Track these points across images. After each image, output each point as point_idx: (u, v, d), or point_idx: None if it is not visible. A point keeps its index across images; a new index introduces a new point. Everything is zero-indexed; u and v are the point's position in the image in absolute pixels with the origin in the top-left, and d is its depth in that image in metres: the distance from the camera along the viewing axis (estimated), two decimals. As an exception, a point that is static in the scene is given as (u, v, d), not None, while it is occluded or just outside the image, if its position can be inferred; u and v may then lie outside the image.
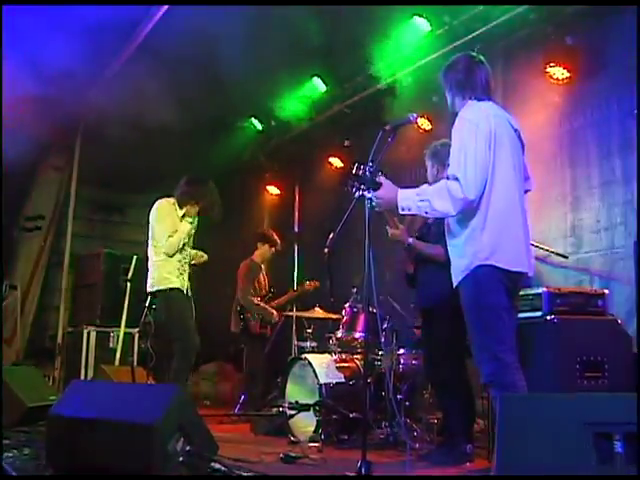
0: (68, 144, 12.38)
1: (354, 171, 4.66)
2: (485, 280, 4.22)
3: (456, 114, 4.54)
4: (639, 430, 2.98)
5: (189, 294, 7.27)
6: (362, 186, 4.65)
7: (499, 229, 4.22)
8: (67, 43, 8.29)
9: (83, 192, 12.91)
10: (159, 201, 7.34)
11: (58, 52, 8.37)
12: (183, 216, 7.20)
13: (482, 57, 4.75)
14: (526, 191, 4.63)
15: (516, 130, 4.51)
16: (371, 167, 4.62)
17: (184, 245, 7.18)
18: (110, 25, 8.14)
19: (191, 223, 7.19)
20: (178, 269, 7.16)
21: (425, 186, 4.38)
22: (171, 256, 7.12)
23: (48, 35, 8.15)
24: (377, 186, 4.58)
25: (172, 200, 7.30)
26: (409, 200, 4.35)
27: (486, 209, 4.24)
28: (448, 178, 4.24)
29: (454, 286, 4.46)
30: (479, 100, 4.50)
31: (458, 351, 5.79)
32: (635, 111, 6.24)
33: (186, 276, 7.26)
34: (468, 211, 4.25)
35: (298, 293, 9.68)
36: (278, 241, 9.61)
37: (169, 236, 7.09)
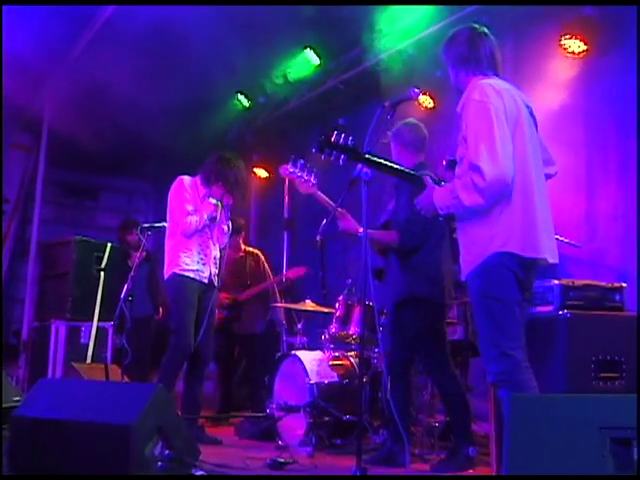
0: (35, 120, 12.31)
1: (332, 138, 4.71)
2: (498, 271, 4.19)
3: (461, 91, 4.51)
4: (639, 431, 2.98)
5: (213, 284, 7.25)
6: (342, 156, 4.71)
7: (515, 213, 4.17)
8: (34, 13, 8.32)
9: (52, 173, 12.84)
10: (180, 177, 7.33)
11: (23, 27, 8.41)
12: (206, 196, 7.19)
13: (485, 29, 4.72)
14: (548, 176, 4.57)
15: (528, 107, 4.48)
16: (348, 136, 4.71)
17: (206, 228, 7.16)
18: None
19: (216, 206, 7.16)
20: (198, 253, 7.13)
21: (455, 181, 4.34)
22: (188, 237, 7.09)
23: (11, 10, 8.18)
24: (357, 156, 4.63)
25: (193, 179, 7.30)
26: (445, 200, 4.33)
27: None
28: (470, 168, 4.20)
29: (463, 279, 4.41)
30: (485, 75, 4.44)
31: (435, 345, 5.89)
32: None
33: (211, 267, 7.23)
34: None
35: (276, 282, 9.66)
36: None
37: (188, 214, 7.08)
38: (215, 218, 7.12)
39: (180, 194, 7.15)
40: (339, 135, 4.74)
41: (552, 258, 4.29)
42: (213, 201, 7.10)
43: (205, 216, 7.04)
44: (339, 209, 6.06)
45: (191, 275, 7.05)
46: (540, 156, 4.44)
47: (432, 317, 5.96)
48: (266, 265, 9.71)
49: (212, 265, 7.21)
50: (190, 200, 7.13)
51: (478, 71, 4.47)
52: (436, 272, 5.93)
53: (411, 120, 6.17)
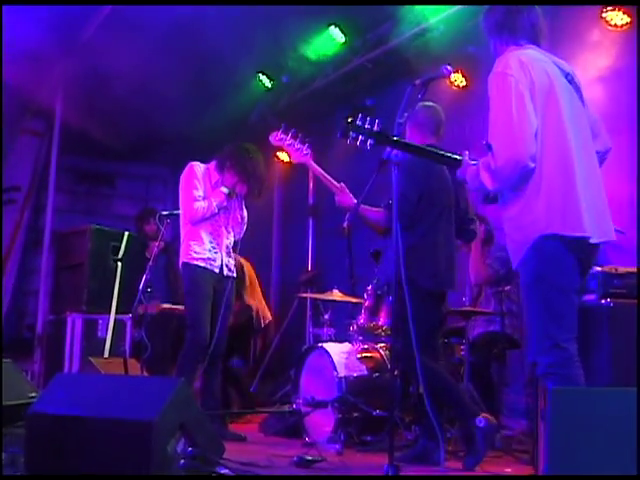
0: (47, 105, 12.33)
1: (359, 122, 4.72)
2: (553, 255, 4.11)
3: None
4: (639, 429, 2.98)
5: (226, 274, 7.28)
6: (369, 140, 4.72)
7: (554, 191, 4.09)
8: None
9: (65, 160, 12.85)
10: (191, 163, 7.39)
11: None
12: (218, 183, 7.23)
13: None
14: (602, 152, 4.48)
15: (568, 74, 4.39)
16: (374, 119, 4.71)
17: (217, 216, 7.19)
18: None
19: (228, 194, 7.18)
20: (210, 242, 7.18)
21: (481, 160, 4.28)
22: (195, 224, 7.14)
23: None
24: (385, 139, 4.61)
25: (207, 165, 7.36)
26: (474, 181, 4.30)
27: (540, 173, 4.10)
28: (488, 148, 4.18)
29: (514, 268, 4.35)
30: (519, 46, 4.38)
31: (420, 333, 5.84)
32: None
33: (224, 256, 7.27)
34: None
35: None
36: None
37: (195, 201, 7.12)
38: (225, 207, 7.14)
39: (189, 180, 7.22)
40: (364, 118, 4.72)
41: (597, 237, 4.17)
42: (225, 190, 7.14)
43: (214, 204, 7.07)
44: (337, 183, 6.17)
45: (202, 264, 7.11)
46: (586, 128, 4.34)
47: (421, 303, 5.81)
48: (251, 276, 9.64)
49: (224, 254, 7.25)
50: (200, 187, 7.19)
51: (512, 41, 4.42)
52: (430, 256, 5.87)
53: (429, 103, 6.16)
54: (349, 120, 4.75)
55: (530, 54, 4.29)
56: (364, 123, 4.72)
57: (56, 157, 12.46)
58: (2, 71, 9.20)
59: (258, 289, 9.69)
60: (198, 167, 7.29)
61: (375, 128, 4.73)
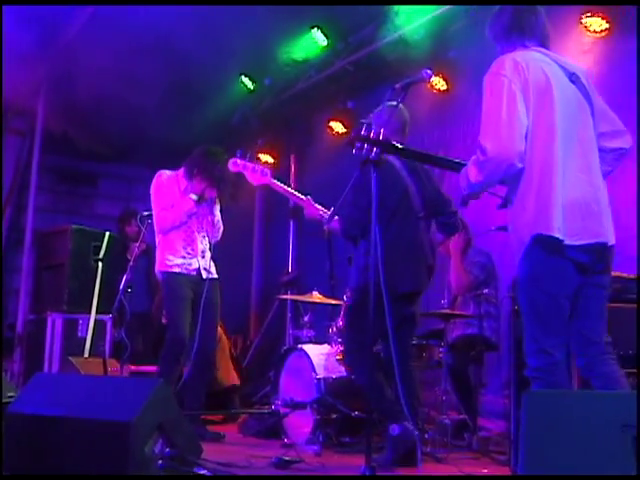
0: (29, 104, 12.29)
1: (362, 132, 4.67)
2: (543, 257, 4.07)
3: None
4: (639, 429, 2.99)
5: (205, 277, 7.28)
6: (374, 149, 4.68)
7: (544, 193, 4.05)
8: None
9: (48, 160, 12.83)
10: (159, 172, 7.43)
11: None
12: (187, 190, 7.23)
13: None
14: (619, 151, 4.40)
15: (573, 74, 4.33)
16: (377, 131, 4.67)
17: (188, 223, 7.22)
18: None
19: (197, 201, 7.18)
20: (184, 248, 7.22)
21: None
22: (165, 233, 7.19)
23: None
24: (390, 148, 4.61)
25: (175, 172, 7.38)
26: (462, 179, 4.27)
27: (530, 173, 4.09)
28: (476, 145, 4.17)
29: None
30: (525, 48, 4.35)
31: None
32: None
33: (199, 260, 7.29)
34: (512, 177, 4.14)
35: None
36: None
37: (162, 210, 7.17)
38: (195, 213, 7.16)
39: (156, 190, 7.29)
40: (369, 128, 4.70)
41: (573, 240, 4.05)
42: (193, 197, 7.16)
43: (181, 212, 7.10)
44: (304, 197, 6.30)
45: (177, 270, 7.17)
46: (586, 128, 4.29)
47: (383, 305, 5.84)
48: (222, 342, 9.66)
49: (201, 258, 7.28)
50: (167, 196, 7.21)
51: (519, 42, 4.38)
52: (391, 258, 5.72)
53: (393, 102, 6.18)
54: (356, 133, 4.72)
55: (527, 55, 4.26)
56: (368, 133, 4.70)
57: (38, 157, 12.45)
58: (2, 71, 9.16)
59: (226, 352, 9.62)
60: (164, 176, 7.34)
61: (380, 137, 4.72)
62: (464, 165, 4.41)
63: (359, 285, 5.92)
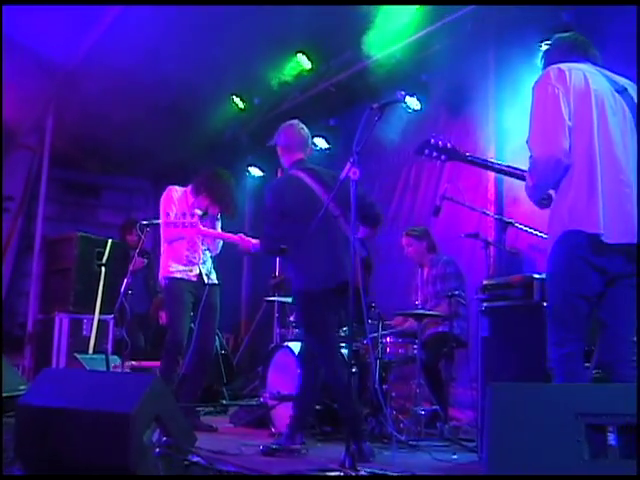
0: (40, 123, 12.31)
1: (432, 141, 4.65)
2: (567, 259, 4.04)
3: None
4: (639, 424, 2.98)
5: (206, 282, 7.26)
6: (442, 156, 4.66)
7: (578, 189, 4.04)
8: (36, 21, 8.33)
9: (55, 173, 12.85)
10: (170, 187, 7.43)
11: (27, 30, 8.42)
12: (193, 206, 7.23)
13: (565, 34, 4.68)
14: None
15: (622, 87, 4.32)
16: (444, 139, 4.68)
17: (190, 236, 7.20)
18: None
19: (202, 216, 7.18)
20: (187, 257, 7.22)
21: None
22: (170, 243, 7.21)
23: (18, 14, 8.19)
24: (457, 156, 4.63)
25: (184, 189, 7.37)
26: (527, 180, 4.31)
27: (570, 170, 4.08)
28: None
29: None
30: (566, 62, 4.33)
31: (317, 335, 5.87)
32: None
33: (201, 267, 7.28)
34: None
35: None
36: None
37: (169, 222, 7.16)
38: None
39: (166, 204, 7.27)
40: (437, 138, 4.68)
41: (615, 238, 3.99)
42: (198, 212, 7.16)
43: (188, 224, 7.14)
44: (235, 235, 6.82)
45: (178, 275, 7.17)
46: (625, 134, 4.21)
47: (309, 305, 5.83)
48: None
49: (202, 265, 7.28)
50: (175, 209, 7.19)
51: (561, 60, 4.35)
52: (311, 263, 5.81)
53: (288, 122, 6.21)
54: (428, 140, 4.68)
55: (572, 64, 4.27)
56: (437, 141, 4.68)
57: (47, 170, 12.44)
58: (2, 72, 9.13)
59: None
60: (175, 191, 7.34)
61: (448, 146, 4.69)
62: (522, 171, 4.43)
63: (293, 294, 5.99)
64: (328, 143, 10.92)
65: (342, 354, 6.10)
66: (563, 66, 4.20)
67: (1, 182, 11.40)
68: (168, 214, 7.16)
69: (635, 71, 6.19)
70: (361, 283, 5.03)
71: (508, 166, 4.72)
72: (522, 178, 4.49)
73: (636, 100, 4.31)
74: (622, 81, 4.38)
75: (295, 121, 6.22)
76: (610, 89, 4.26)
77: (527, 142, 4.19)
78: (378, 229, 6.03)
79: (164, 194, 7.34)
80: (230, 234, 6.94)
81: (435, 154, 4.68)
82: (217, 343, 8.29)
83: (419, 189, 9.54)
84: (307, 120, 11.00)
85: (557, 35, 4.69)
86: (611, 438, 3.05)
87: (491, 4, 7.74)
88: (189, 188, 7.32)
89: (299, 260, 5.86)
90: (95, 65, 9.50)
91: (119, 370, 7.49)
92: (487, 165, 4.88)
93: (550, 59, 4.51)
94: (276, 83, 10.68)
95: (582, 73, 4.21)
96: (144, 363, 8.99)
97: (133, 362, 8.63)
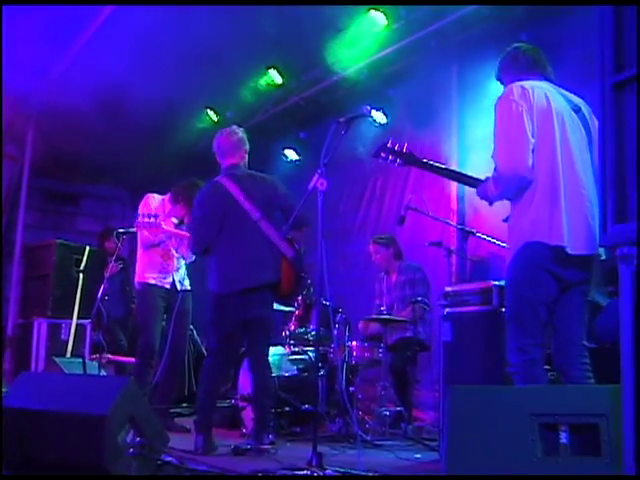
0: (20, 132, 12.23)
1: (389, 144, 4.70)
2: (528, 267, 4.08)
3: None
4: (638, 421, 3.00)
5: (179, 289, 7.24)
6: (398, 160, 4.70)
7: (541, 203, 4.07)
8: (18, 30, 8.28)
9: (35, 181, 12.78)
10: (148, 194, 7.42)
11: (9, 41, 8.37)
12: (170, 214, 7.22)
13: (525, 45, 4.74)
14: None
15: (576, 105, 4.36)
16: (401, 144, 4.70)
17: (167, 242, 7.19)
18: (64, 13, 8.16)
19: (178, 224, 7.18)
20: (160, 264, 7.21)
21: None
22: (146, 249, 7.21)
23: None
24: (412, 160, 4.64)
25: (163, 197, 7.39)
26: (486, 191, 4.34)
27: (534, 185, 4.10)
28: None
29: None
30: (526, 79, 4.35)
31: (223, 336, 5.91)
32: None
33: (174, 275, 7.26)
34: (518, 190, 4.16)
35: None
36: None
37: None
38: (173, 235, 7.17)
39: (144, 209, 7.23)
40: (394, 142, 4.73)
41: (577, 250, 4.04)
42: (175, 220, 7.17)
43: (161, 231, 7.12)
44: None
45: (152, 282, 7.17)
46: (584, 151, 4.26)
47: (214, 308, 5.88)
48: None
49: (175, 272, 7.27)
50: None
51: (522, 76, 4.39)
52: (219, 266, 5.85)
53: (224, 129, 6.24)
54: (383, 144, 4.74)
55: (533, 82, 4.29)
56: (394, 146, 4.72)
57: (27, 179, 12.39)
58: (2, 72, 9.08)
59: None
60: (153, 198, 7.34)
61: (404, 150, 4.73)
62: (479, 180, 4.48)
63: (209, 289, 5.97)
64: (298, 155, 11.00)
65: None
66: (526, 84, 4.23)
67: (1, 182, 11.34)
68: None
69: (592, 89, 6.27)
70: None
71: (459, 172, 4.77)
72: (471, 184, 4.57)
73: (588, 118, 4.36)
74: (576, 100, 4.43)
75: (230, 127, 6.21)
76: (568, 108, 4.30)
77: (492, 157, 4.22)
78: (305, 231, 5.91)
79: (142, 201, 7.34)
80: (182, 232, 6.98)
81: (391, 157, 4.71)
82: (192, 346, 8.27)
83: (385, 199, 9.59)
84: (278, 133, 11.19)
85: (516, 45, 4.70)
86: (563, 437, 3.09)
87: (491, 4, 7.74)
88: (167, 196, 7.31)
89: (212, 263, 5.91)
90: (75, 78, 9.45)
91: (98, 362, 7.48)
92: (440, 170, 4.87)
93: (509, 71, 4.56)
94: (249, 97, 10.69)
95: (543, 92, 4.24)
96: (120, 358, 8.98)
97: (109, 356, 8.64)
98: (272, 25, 8.40)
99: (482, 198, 4.48)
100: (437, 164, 4.83)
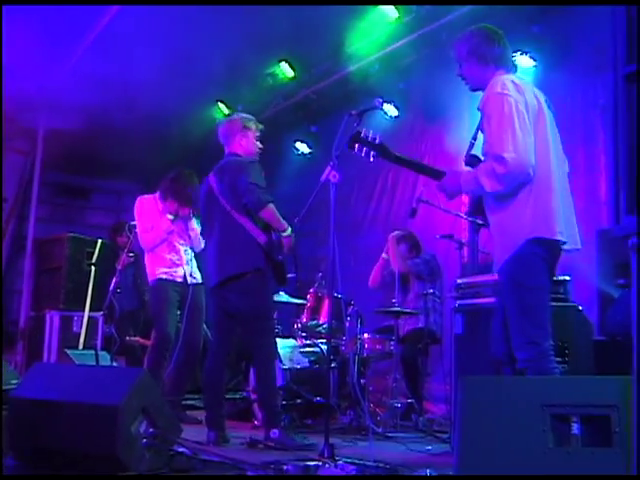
0: (31, 127, 12.28)
1: (362, 134, 4.56)
2: (529, 259, 4.09)
3: (480, 89, 4.36)
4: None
5: (189, 282, 7.25)
6: (372, 152, 4.56)
7: (539, 200, 4.09)
8: (29, 26, 8.31)
9: (47, 176, 12.87)
10: (139, 197, 7.45)
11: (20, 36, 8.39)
12: (164, 211, 7.23)
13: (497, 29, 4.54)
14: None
15: (546, 100, 4.34)
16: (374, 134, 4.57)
17: (169, 238, 7.21)
18: (74, 10, 8.19)
19: (173, 220, 7.20)
20: (170, 259, 7.22)
21: (479, 167, 4.20)
22: (149, 251, 7.23)
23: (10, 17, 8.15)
24: (381, 151, 4.56)
25: (152, 195, 7.40)
26: (469, 184, 4.24)
27: (530, 183, 4.10)
28: (492, 158, 4.07)
29: (496, 271, 4.32)
30: (507, 71, 4.33)
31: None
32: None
33: (185, 268, 7.28)
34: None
35: None
36: None
37: (144, 232, 7.21)
38: (172, 231, 7.19)
39: (138, 214, 7.34)
40: (368, 132, 4.58)
41: (570, 245, 4.18)
42: (170, 217, 7.17)
43: (161, 231, 7.15)
44: None
45: (164, 277, 7.18)
46: (559, 149, 4.34)
47: (208, 304, 6.15)
48: None
49: (186, 265, 7.28)
50: (147, 218, 7.27)
51: (502, 67, 4.35)
52: (205, 262, 6.06)
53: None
54: (357, 133, 4.58)
55: (520, 79, 4.27)
56: (368, 136, 4.57)
57: (39, 173, 12.46)
58: (2, 72, 9.11)
59: None
60: (144, 200, 7.38)
61: (377, 142, 4.57)
62: (441, 172, 4.41)
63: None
64: (309, 148, 11.00)
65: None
66: (516, 80, 4.20)
67: (1, 182, 11.39)
68: (142, 224, 7.23)
69: (603, 81, 6.28)
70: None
71: (426, 167, 4.69)
72: (436, 177, 4.47)
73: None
74: (541, 94, 4.38)
75: (229, 116, 6.22)
76: (545, 105, 4.30)
77: (488, 152, 4.15)
78: (262, 214, 5.75)
79: (135, 205, 7.40)
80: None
81: (365, 150, 4.58)
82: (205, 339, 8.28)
83: (396, 192, 9.60)
84: (289, 126, 11.19)
85: (486, 27, 4.51)
86: (574, 427, 3.10)
87: (490, 4, 7.73)
88: (157, 195, 7.32)
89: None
90: (86, 72, 9.48)
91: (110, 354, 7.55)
92: (407, 163, 4.75)
93: (483, 60, 4.38)
94: (260, 90, 10.71)
95: (532, 89, 4.25)
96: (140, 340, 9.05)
97: (139, 339, 8.93)
98: (283, 18, 8.40)
99: (448, 191, 4.40)
100: (405, 157, 4.70)
